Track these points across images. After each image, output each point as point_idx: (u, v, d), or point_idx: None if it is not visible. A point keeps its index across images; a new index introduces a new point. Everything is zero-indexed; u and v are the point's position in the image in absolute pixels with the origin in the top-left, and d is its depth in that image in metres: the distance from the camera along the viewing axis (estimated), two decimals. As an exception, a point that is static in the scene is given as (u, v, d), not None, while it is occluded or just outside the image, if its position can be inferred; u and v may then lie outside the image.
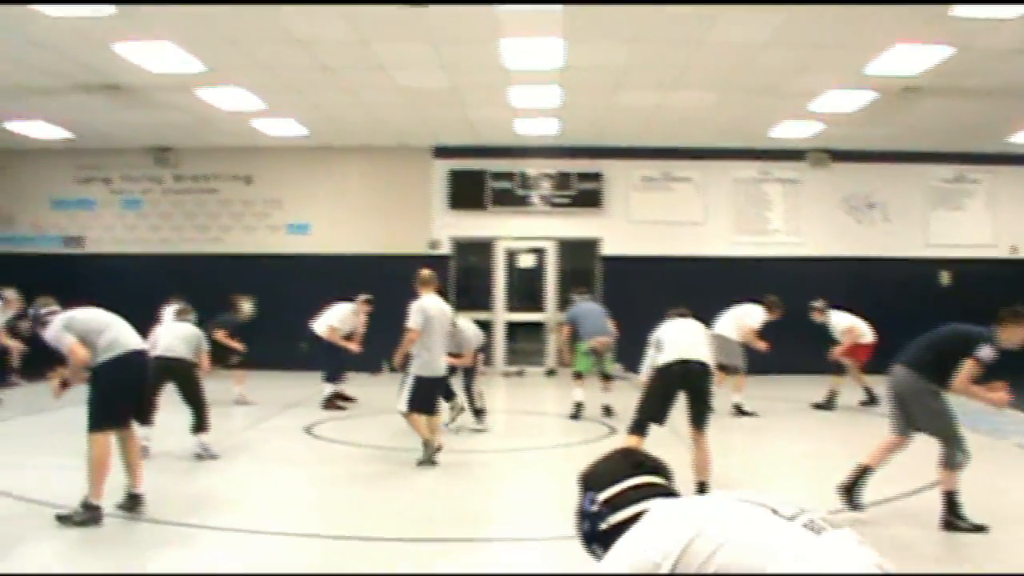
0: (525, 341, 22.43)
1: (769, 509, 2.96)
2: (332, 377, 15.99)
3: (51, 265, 20.91)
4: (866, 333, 16.52)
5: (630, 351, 21.00)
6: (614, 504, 3.30)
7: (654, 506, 3.16)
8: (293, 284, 20.59)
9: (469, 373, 14.06)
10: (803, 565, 2.72)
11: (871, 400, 16.31)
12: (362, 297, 16.44)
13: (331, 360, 15.96)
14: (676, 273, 21.28)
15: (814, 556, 2.76)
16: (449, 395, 13.55)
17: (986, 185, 22.35)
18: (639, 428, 9.21)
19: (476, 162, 22.03)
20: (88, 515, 7.97)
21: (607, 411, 15.39)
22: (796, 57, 14.31)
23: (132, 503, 8.47)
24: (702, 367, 9.37)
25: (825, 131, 19.62)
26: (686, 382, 9.30)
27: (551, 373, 19.41)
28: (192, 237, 22.40)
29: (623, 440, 9.55)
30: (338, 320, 16.04)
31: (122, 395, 8.51)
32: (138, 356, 8.61)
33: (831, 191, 22.12)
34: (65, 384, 8.59)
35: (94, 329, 8.47)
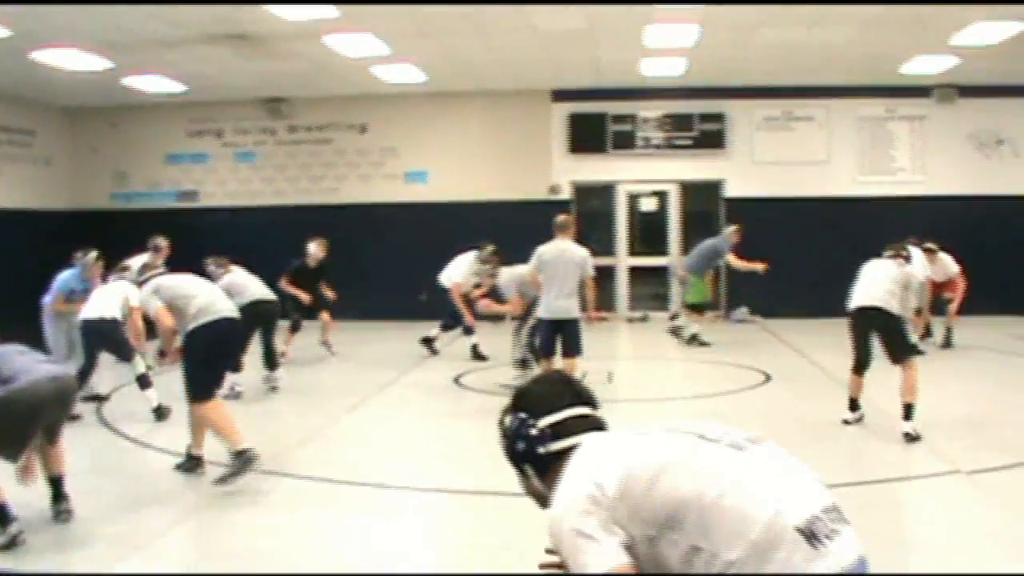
0: (649, 286, 22.00)
1: (696, 435, 3.28)
2: (468, 328, 15.78)
3: (166, 220, 20.63)
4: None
5: (760, 292, 20.84)
6: (556, 431, 3.48)
7: (591, 439, 3.43)
8: (412, 233, 20.36)
9: (520, 322, 13.73)
10: (733, 480, 3.06)
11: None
12: (488, 249, 15.72)
13: (457, 312, 15.78)
14: (800, 214, 20.85)
15: (741, 469, 3.11)
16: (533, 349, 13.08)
17: (1120, 116, 21.56)
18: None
19: (596, 105, 21.56)
20: (239, 465, 7.98)
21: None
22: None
23: (192, 464, 8.51)
24: (876, 312, 10.06)
25: (957, 66, 18.92)
26: (868, 327, 10.27)
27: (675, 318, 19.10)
28: (307, 188, 22.21)
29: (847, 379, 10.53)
30: (461, 276, 15.82)
31: (213, 363, 8.47)
32: (227, 322, 8.49)
33: (958, 128, 21.40)
34: (163, 354, 8.63)
35: (181, 295, 8.40)
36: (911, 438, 9.46)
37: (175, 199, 22.40)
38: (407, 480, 8.38)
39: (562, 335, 11.46)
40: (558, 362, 11.35)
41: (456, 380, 13.67)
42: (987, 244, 20.05)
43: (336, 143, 22.18)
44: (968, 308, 17.63)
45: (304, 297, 15.52)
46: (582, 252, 11.61)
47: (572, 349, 11.47)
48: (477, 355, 15.61)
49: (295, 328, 15.68)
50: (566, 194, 21.80)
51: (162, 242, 14.76)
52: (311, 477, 8.44)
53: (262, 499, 7.79)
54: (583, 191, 22.17)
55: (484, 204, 21.27)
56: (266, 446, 8.59)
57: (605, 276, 21.36)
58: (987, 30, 16.11)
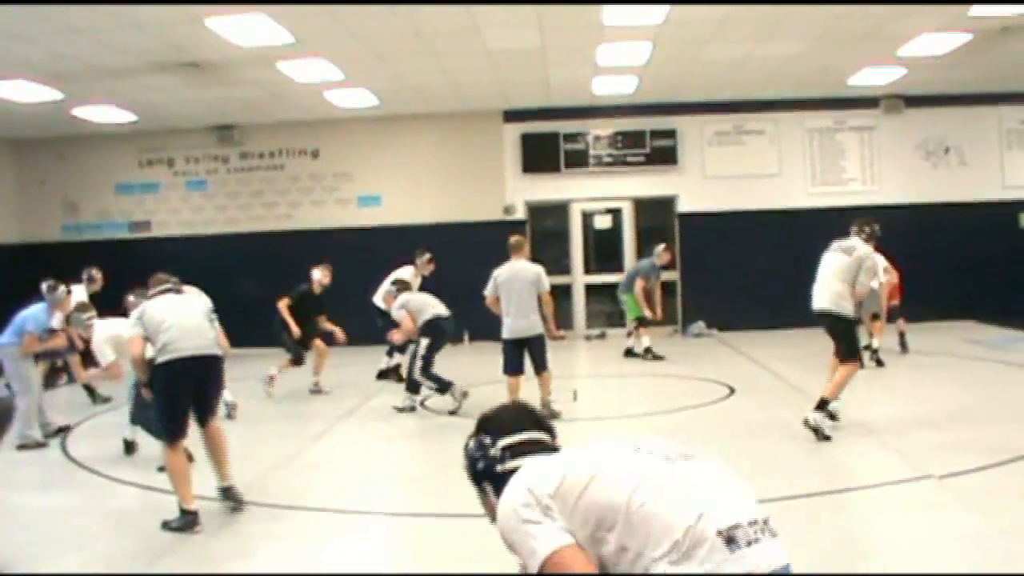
0: (605, 303, 22.05)
1: (632, 447, 3.56)
2: (398, 348, 15.40)
3: (118, 252, 20.55)
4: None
5: (716, 306, 20.98)
6: (512, 452, 3.76)
7: (539, 458, 3.67)
8: (367, 257, 20.26)
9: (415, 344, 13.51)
10: (658, 488, 3.29)
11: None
12: (424, 256, 15.90)
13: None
14: (753, 227, 21.03)
15: (667, 479, 3.34)
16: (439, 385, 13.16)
17: (1063, 124, 21.92)
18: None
19: (548, 124, 21.66)
20: (183, 520, 7.69)
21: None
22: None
23: (226, 495, 8.21)
24: (823, 315, 10.54)
25: (904, 77, 19.20)
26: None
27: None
28: (260, 215, 22.10)
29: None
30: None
31: (172, 403, 8.01)
32: (191, 362, 7.96)
33: (906, 137, 21.70)
34: (146, 385, 8.31)
35: (155, 325, 8.02)
36: (815, 431, 9.89)
37: (127, 230, 22.20)
38: (376, 505, 8.38)
39: (529, 353, 11.93)
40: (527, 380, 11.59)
41: (421, 403, 13.64)
42: (936, 250, 20.30)
43: (289, 169, 22.11)
44: (920, 314, 17.84)
45: (295, 330, 14.65)
46: (535, 269, 12.13)
47: (541, 365, 11.96)
48: (393, 375, 15.65)
49: (298, 361, 14.83)
50: (520, 214, 21.85)
51: (96, 273, 14.99)
52: (280, 505, 8.37)
53: (234, 527, 7.75)
54: (537, 210, 22.26)
55: (439, 226, 21.25)
56: (235, 475, 8.53)
57: (561, 294, 21.45)
58: (933, 41, 16.33)
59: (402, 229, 21.31)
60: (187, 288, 11.33)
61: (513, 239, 12.60)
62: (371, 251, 20.29)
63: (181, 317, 8.11)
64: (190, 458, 8.41)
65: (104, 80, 16.53)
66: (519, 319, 11.91)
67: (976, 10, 14.35)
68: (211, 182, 22.21)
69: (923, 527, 7.06)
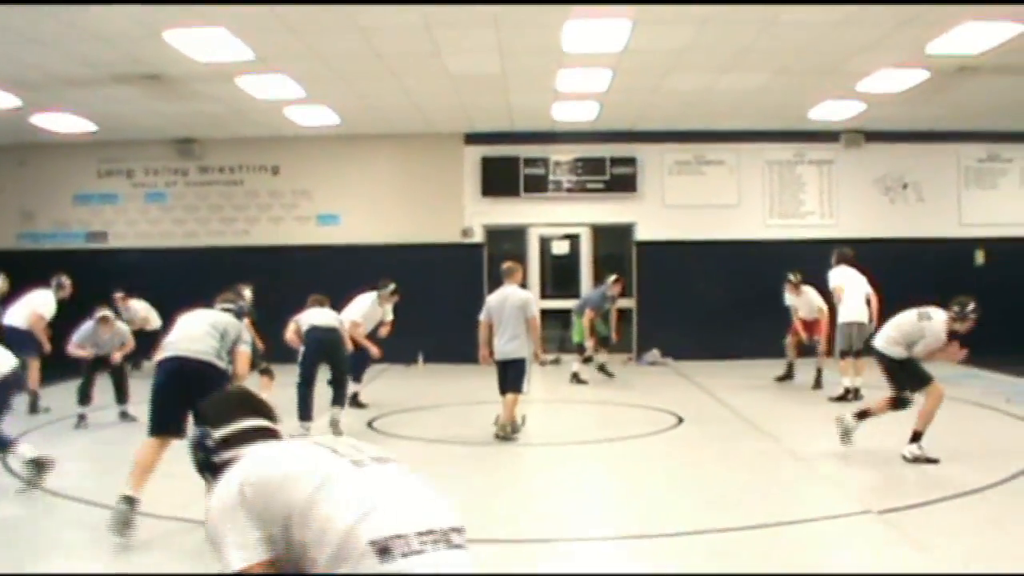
0: (561, 328, 22.02)
1: (330, 449, 3.65)
2: (355, 375, 15.06)
3: (74, 261, 20.32)
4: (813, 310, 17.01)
5: (671, 335, 21.05)
6: (228, 441, 3.87)
7: (252, 449, 3.77)
8: (324, 276, 20.16)
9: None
10: (330, 490, 3.39)
11: (788, 376, 17.37)
12: (388, 288, 15.52)
13: (354, 357, 14.50)
14: (710, 256, 21.15)
15: (344, 482, 3.44)
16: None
17: (1019, 163, 22.12)
18: None
19: (508, 148, 21.69)
20: (120, 509, 7.60)
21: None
22: (865, 36, 14.01)
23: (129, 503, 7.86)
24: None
25: (864, 112, 19.34)
26: None
27: (588, 360, 19.12)
28: (218, 230, 22.02)
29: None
30: (360, 315, 15.04)
31: (159, 400, 8.15)
32: (176, 362, 8.10)
33: (865, 172, 21.87)
34: None
35: (173, 330, 8.33)
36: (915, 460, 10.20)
37: (84, 240, 22.05)
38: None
39: (506, 374, 12.54)
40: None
41: (369, 424, 13.60)
42: (892, 286, 20.34)
43: (248, 184, 22.05)
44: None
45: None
46: (524, 295, 12.79)
47: (511, 385, 12.45)
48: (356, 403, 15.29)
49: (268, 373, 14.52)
50: (478, 237, 21.88)
51: (65, 280, 15.08)
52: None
53: (175, 547, 7.68)
54: (495, 234, 22.24)
55: (397, 247, 21.22)
56: (179, 494, 8.47)
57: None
58: (892, 77, 16.48)
59: (360, 249, 21.28)
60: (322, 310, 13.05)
61: (506, 265, 13.22)
62: (329, 270, 20.24)
63: (189, 324, 8.40)
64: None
65: (64, 89, 16.45)
66: (505, 342, 12.49)
67: (932, 48, 14.45)
68: (170, 195, 22.12)
69: (858, 562, 7.09)
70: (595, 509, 9.13)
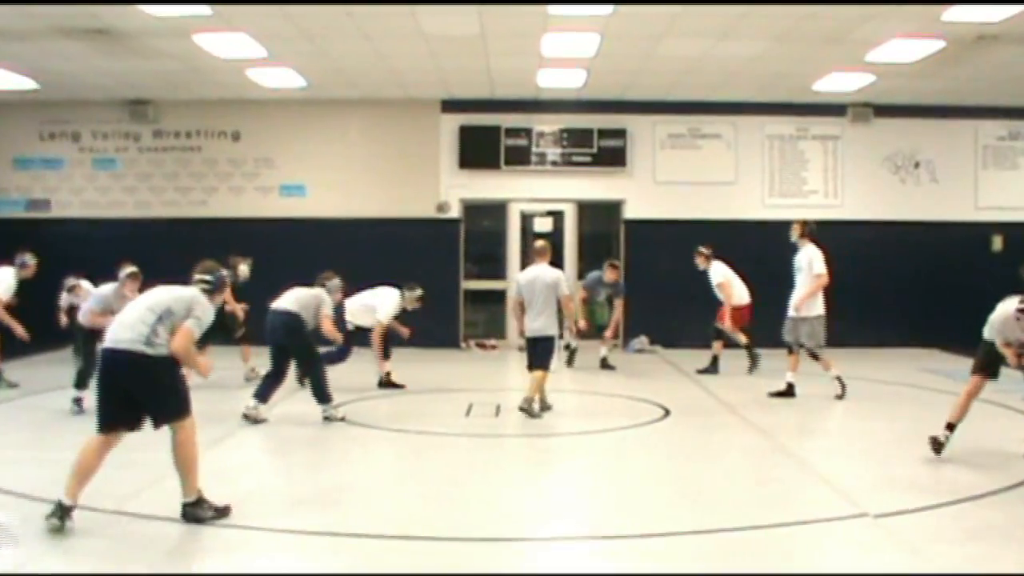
0: (542, 311, 22.10)
1: None
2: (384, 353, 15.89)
3: (13, 232, 20.19)
4: (742, 295, 17.53)
5: (660, 321, 21.06)
6: None
7: None
8: (288, 252, 20.10)
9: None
10: None
11: (712, 369, 17.74)
12: (416, 292, 15.84)
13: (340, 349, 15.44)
14: (704, 238, 20.85)
15: None
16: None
17: (1043, 142, 22.18)
18: None
19: (489, 117, 21.66)
20: (52, 513, 7.57)
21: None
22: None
23: (186, 513, 8.00)
24: None
25: (873, 84, 19.35)
26: None
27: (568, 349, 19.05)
28: (173, 200, 21.91)
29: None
30: (386, 316, 15.64)
31: (99, 395, 8.06)
32: (108, 354, 7.96)
33: (874, 149, 21.90)
34: None
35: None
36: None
37: (24, 208, 21.89)
38: (267, 521, 8.26)
39: (534, 351, 13.45)
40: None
41: (325, 417, 13.55)
42: (901, 273, 20.54)
43: (206, 151, 21.93)
44: (881, 340, 18.01)
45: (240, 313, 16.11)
46: (554, 274, 13.62)
47: (537, 363, 13.39)
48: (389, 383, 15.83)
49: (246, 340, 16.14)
50: (455, 212, 21.85)
51: (30, 260, 15.49)
52: (158, 517, 8.21)
53: (110, 543, 7.63)
54: (473, 209, 22.28)
55: (366, 221, 21.28)
56: (118, 485, 8.44)
57: (495, 301, 21.51)
58: (904, 47, 16.45)
59: (327, 223, 21.32)
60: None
61: (538, 244, 14.48)
62: (293, 245, 20.20)
63: (128, 309, 8.26)
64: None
65: (0, 42, 16.34)
66: (534, 319, 13.37)
67: (950, 15, 14.44)
68: (121, 161, 21.96)
69: (853, 567, 7.10)
70: (568, 507, 9.11)
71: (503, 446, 11.97)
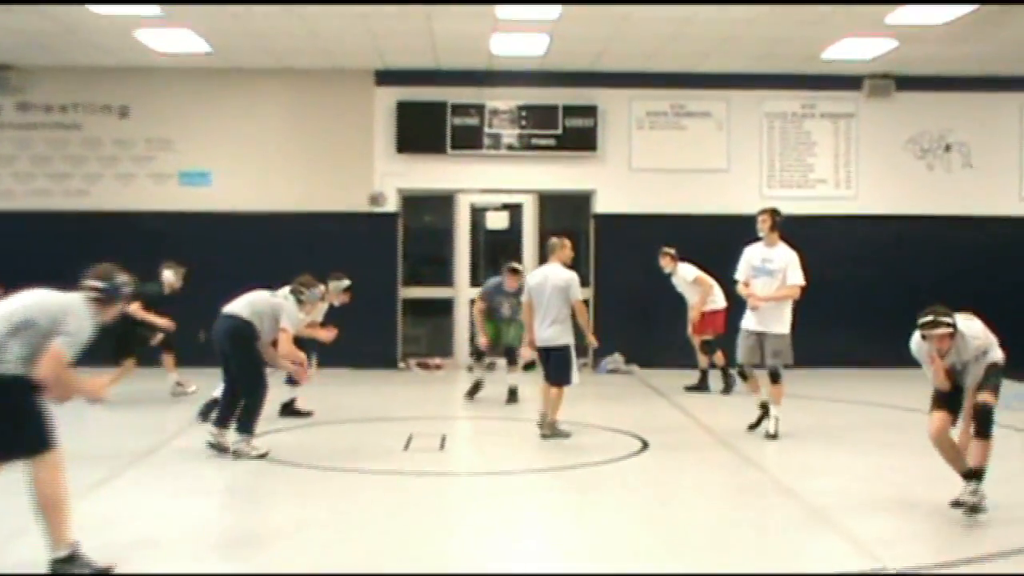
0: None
1: None
2: (290, 379, 15.28)
3: None
4: (718, 298, 17.97)
5: (636, 337, 21.10)
6: None
7: None
8: (190, 252, 19.96)
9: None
10: None
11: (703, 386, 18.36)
12: (342, 283, 16.15)
13: None
14: (690, 236, 20.83)
15: None
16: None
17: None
18: None
19: (432, 91, 21.72)
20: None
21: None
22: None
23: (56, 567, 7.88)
24: None
25: (894, 51, 19.44)
26: None
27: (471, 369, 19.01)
28: (45, 188, 21.74)
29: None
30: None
31: None
32: None
33: (895, 129, 22.04)
34: None
35: None
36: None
37: None
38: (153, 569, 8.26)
39: (547, 363, 13.99)
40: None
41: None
42: (928, 277, 20.60)
43: (87, 130, 21.76)
44: (903, 359, 18.02)
45: (165, 324, 16.71)
46: (566, 276, 13.90)
47: (554, 377, 13.87)
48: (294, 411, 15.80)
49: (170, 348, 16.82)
50: (391, 205, 21.89)
51: None
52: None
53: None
54: (413, 202, 22.35)
55: (285, 216, 21.29)
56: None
57: (440, 312, 21.56)
58: (931, 7, 16.50)
59: (236, 218, 21.27)
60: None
61: (552, 240, 14.51)
62: (196, 244, 20.00)
63: None
64: None
65: None
66: (545, 327, 13.80)
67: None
68: (-25, 140, 21.75)
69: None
70: (528, 557, 9.07)
71: (451, 486, 11.83)
